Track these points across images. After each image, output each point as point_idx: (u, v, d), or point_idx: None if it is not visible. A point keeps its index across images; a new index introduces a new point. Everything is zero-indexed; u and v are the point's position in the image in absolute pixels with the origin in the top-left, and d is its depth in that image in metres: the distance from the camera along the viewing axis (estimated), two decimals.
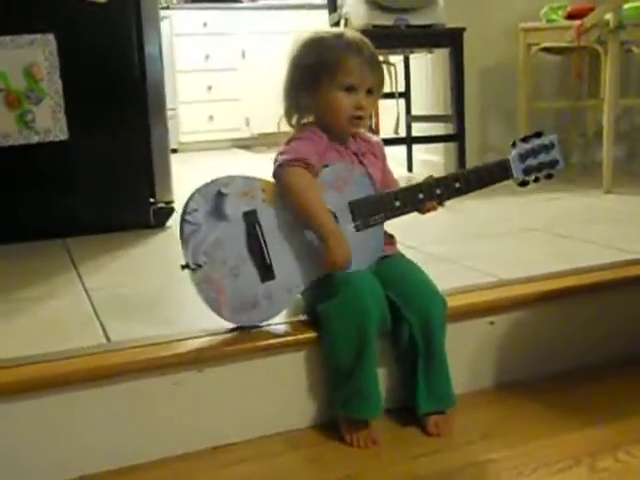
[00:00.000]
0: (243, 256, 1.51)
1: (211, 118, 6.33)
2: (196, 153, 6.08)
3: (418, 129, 4.03)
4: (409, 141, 3.99)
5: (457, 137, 3.51)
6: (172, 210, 2.75)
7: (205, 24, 6.27)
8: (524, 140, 1.66)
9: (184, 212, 1.49)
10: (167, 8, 6.10)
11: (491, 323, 1.75)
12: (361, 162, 1.61)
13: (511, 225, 2.55)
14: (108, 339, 1.55)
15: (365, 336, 1.46)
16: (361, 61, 1.53)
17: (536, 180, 1.67)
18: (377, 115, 4.63)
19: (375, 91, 1.57)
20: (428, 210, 1.61)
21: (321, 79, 1.54)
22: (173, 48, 6.10)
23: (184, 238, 1.49)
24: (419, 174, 4.03)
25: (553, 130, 3.98)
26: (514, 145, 1.66)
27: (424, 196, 1.60)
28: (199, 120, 6.26)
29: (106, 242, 2.52)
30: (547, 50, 3.64)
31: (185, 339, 1.52)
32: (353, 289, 1.48)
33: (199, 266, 1.48)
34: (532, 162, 1.65)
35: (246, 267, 1.51)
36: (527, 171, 1.65)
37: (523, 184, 1.66)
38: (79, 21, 2.58)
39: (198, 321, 1.57)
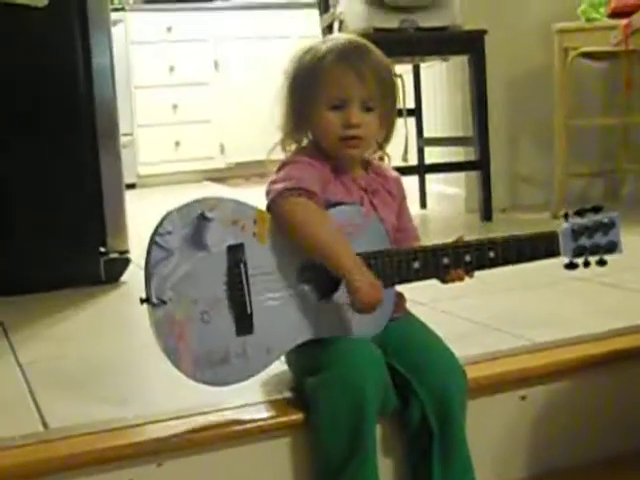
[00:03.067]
0: (219, 299, 1.51)
1: (177, 144, 6.39)
2: (159, 188, 6.13)
3: (432, 155, 4.07)
4: (422, 170, 4.03)
5: (480, 164, 3.55)
6: (127, 261, 2.76)
7: (169, 29, 6.36)
8: (579, 213, 1.70)
9: (155, 233, 1.48)
10: (121, 10, 6.20)
11: (522, 398, 1.75)
12: (371, 202, 1.63)
13: (548, 274, 2.55)
14: (45, 426, 1.54)
15: (361, 422, 1.46)
16: (345, 68, 1.55)
17: (586, 265, 1.71)
18: None
19: (377, 106, 1.59)
20: (452, 279, 1.63)
21: (306, 98, 1.57)
22: (129, 59, 6.18)
23: (150, 264, 1.48)
24: (435, 211, 4.06)
25: (597, 154, 4.04)
26: (566, 217, 1.70)
27: (450, 262, 1.61)
28: (162, 147, 6.31)
29: (46, 303, 2.53)
30: (588, 56, 3.70)
31: (142, 424, 1.52)
32: (348, 364, 1.48)
33: (162, 302, 1.47)
34: (585, 242, 1.69)
35: (220, 313, 1.51)
36: (578, 252, 1.70)
37: (570, 267, 1.71)
38: (8, 28, 2.61)
39: (160, 401, 1.57)
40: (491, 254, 1.64)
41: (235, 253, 1.51)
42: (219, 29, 6.43)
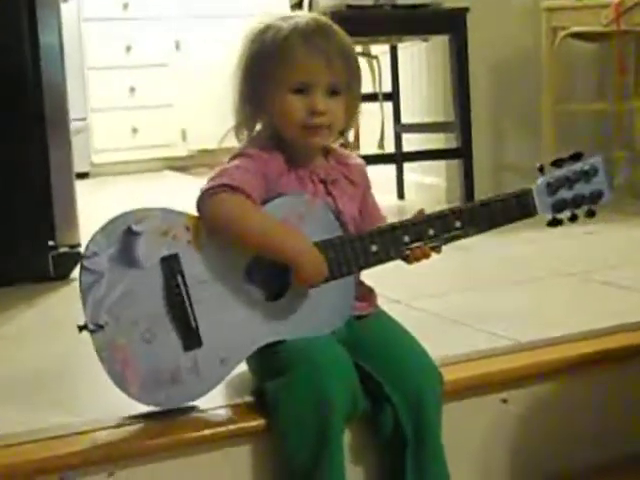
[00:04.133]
0: (159, 315, 1.51)
1: (135, 131, 6.38)
2: (114, 178, 6.11)
3: (410, 142, 4.09)
4: (399, 158, 4.05)
5: (462, 152, 3.57)
6: (78, 256, 2.74)
7: (125, 5, 6.34)
8: (556, 164, 1.64)
9: (82, 256, 1.51)
10: None
11: (504, 401, 1.76)
12: (329, 193, 1.63)
13: (537, 269, 2.58)
14: None
15: (326, 428, 1.46)
16: (311, 50, 1.55)
17: (573, 219, 1.65)
18: (356, 124, 4.69)
19: (342, 90, 1.58)
20: (417, 258, 1.61)
21: (265, 79, 1.57)
22: (82, 38, 6.16)
23: (82, 290, 1.50)
24: (414, 202, 4.08)
25: (589, 142, 4.07)
26: (541, 170, 1.64)
27: (411, 239, 1.59)
28: (118, 134, 6.30)
29: None
30: (578, 36, 3.72)
31: (90, 431, 1.51)
32: (310, 365, 1.48)
33: (100, 327, 1.49)
34: (565, 194, 1.63)
35: (163, 330, 1.51)
36: (558, 207, 1.64)
37: (554, 223, 1.65)
38: None
39: (109, 407, 1.57)
40: (457, 223, 1.60)
41: (170, 265, 1.51)
42: (180, 6, 6.42)
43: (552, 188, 1.63)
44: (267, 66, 1.57)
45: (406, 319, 1.70)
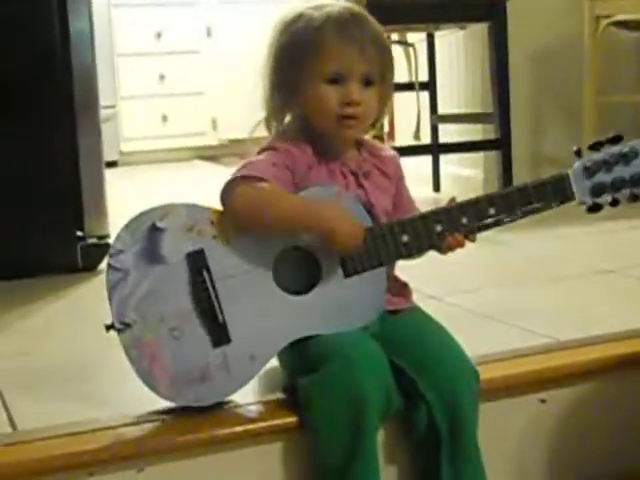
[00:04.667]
0: (187, 312, 1.52)
1: (165, 119, 6.39)
2: (144, 167, 6.13)
3: (447, 133, 4.08)
4: (435, 150, 4.04)
5: (501, 144, 3.55)
6: (107, 247, 2.72)
7: None
8: (594, 147, 1.61)
9: (109, 255, 1.53)
10: None
11: (542, 401, 1.76)
12: (360, 185, 1.63)
13: (575, 266, 2.57)
14: (14, 427, 1.55)
15: (360, 425, 1.47)
16: (346, 40, 1.55)
17: (614, 203, 1.62)
18: (390, 115, 4.69)
19: (376, 81, 1.59)
20: (450, 247, 1.60)
21: (299, 70, 1.57)
22: (111, 23, 6.18)
23: (108, 288, 1.52)
24: (450, 195, 4.05)
25: (631, 134, 4.03)
26: (578, 154, 1.61)
27: (444, 228, 1.59)
28: (148, 122, 6.32)
29: (15, 292, 2.54)
30: (622, 25, 3.70)
31: (120, 426, 1.52)
32: (342, 360, 1.48)
33: (127, 325, 1.50)
34: (604, 178, 1.60)
35: (191, 327, 1.52)
36: (597, 191, 1.60)
37: (594, 209, 1.62)
38: None
39: (139, 401, 1.58)
40: (491, 210, 1.58)
41: (196, 260, 1.53)
42: None
43: (590, 171, 1.60)
44: (300, 56, 1.57)
45: (441, 315, 1.70)
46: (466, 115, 4.03)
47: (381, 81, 1.60)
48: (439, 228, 1.58)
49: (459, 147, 3.91)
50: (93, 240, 2.79)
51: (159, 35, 6.35)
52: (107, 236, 2.79)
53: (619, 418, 1.84)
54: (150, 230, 1.51)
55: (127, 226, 1.52)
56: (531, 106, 3.96)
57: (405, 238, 1.57)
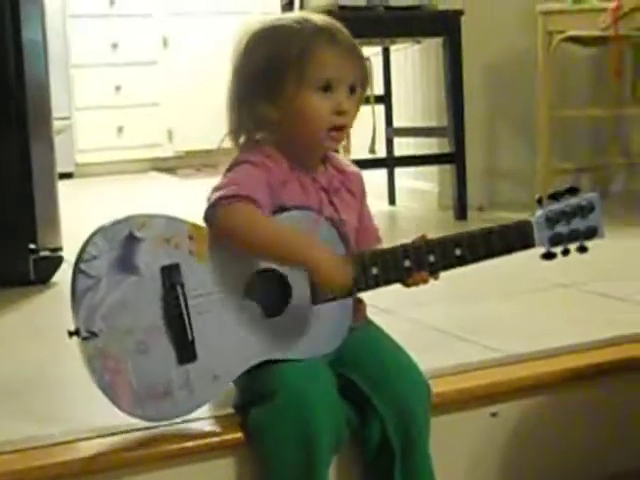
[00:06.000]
0: (156, 326, 1.50)
1: (120, 130, 6.37)
2: (99, 178, 6.11)
3: (402, 147, 4.09)
4: (391, 163, 4.05)
5: (455, 157, 3.58)
6: (60, 260, 2.75)
7: (112, 2, 6.34)
8: (554, 197, 1.68)
9: (79, 259, 1.48)
10: None
11: (493, 415, 1.77)
12: (331, 202, 1.62)
13: (528, 280, 2.58)
14: None
15: (311, 462, 1.46)
16: (338, 50, 1.54)
17: (565, 253, 1.69)
18: None
19: (358, 90, 1.58)
20: (415, 283, 1.63)
21: (285, 79, 1.54)
22: (66, 34, 6.15)
23: (76, 294, 1.47)
24: (404, 208, 4.09)
25: (585, 148, 4.07)
26: (540, 202, 1.68)
27: (412, 264, 1.60)
28: (103, 133, 6.29)
29: None
30: (575, 40, 3.74)
31: (69, 442, 1.51)
32: (294, 392, 1.47)
33: (93, 334, 1.47)
34: (563, 229, 1.68)
35: (159, 341, 1.50)
36: (555, 240, 1.68)
37: (548, 257, 1.69)
38: None
39: (90, 417, 1.57)
40: (457, 252, 1.63)
41: (170, 274, 1.50)
42: (168, 2, 6.42)
43: (551, 222, 1.67)
44: (286, 65, 1.53)
45: (395, 329, 1.70)
46: (421, 128, 4.05)
47: (361, 90, 1.59)
48: (407, 264, 1.60)
49: (414, 160, 3.93)
50: (46, 253, 2.77)
51: (115, 46, 6.32)
52: (60, 249, 2.77)
53: (570, 431, 1.85)
54: (127, 238, 1.48)
55: (103, 231, 1.48)
56: (486, 120, 3.99)
57: (374, 270, 1.58)
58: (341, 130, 1.56)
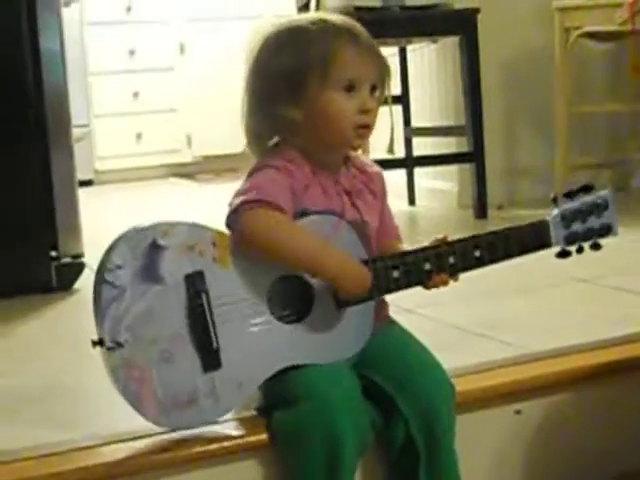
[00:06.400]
0: (181, 335, 1.50)
1: (139, 137, 6.38)
2: (119, 185, 6.12)
3: (421, 146, 4.08)
4: (410, 163, 4.05)
5: (474, 156, 3.57)
6: (82, 267, 2.76)
7: (129, 9, 6.35)
8: (568, 196, 1.69)
9: (103, 268, 1.47)
10: None
11: (517, 412, 1.76)
12: (353, 204, 1.62)
13: (547, 276, 2.57)
14: None
15: (336, 467, 1.46)
16: (360, 49, 1.55)
17: (579, 250, 1.71)
18: None
19: (379, 89, 1.58)
20: (435, 285, 1.63)
21: (308, 81, 1.54)
22: (84, 42, 6.17)
23: (101, 305, 1.47)
24: (424, 208, 4.08)
25: (604, 143, 4.05)
26: (555, 201, 1.69)
27: (432, 267, 1.61)
28: (122, 140, 6.30)
29: None
30: (592, 36, 3.73)
31: (93, 446, 1.52)
32: (319, 397, 1.47)
33: (119, 345, 1.47)
34: (578, 227, 1.69)
35: (183, 350, 1.50)
36: (570, 239, 1.69)
37: (562, 255, 1.71)
38: None
39: (113, 421, 1.57)
40: (477, 253, 1.64)
41: (194, 282, 1.50)
42: (184, 8, 6.42)
43: (567, 221, 1.69)
44: (312, 67, 1.53)
45: (417, 328, 1.70)
46: (439, 128, 4.04)
47: (381, 88, 1.59)
48: (428, 267, 1.61)
49: (433, 160, 3.92)
50: (67, 259, 2.77)
51: (132, 52, 6.34)
52: (81, 255, 2.78)
53: (594, 427, 1.84)
54: (151, 247, 1.48)
55: (126, 239, 1.48)
56: (504, 118, 3.97)
57: (395, 274, 1.59)
58: (366, 128, 1.56)
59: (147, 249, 1.48)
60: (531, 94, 3.94)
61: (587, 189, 1.70)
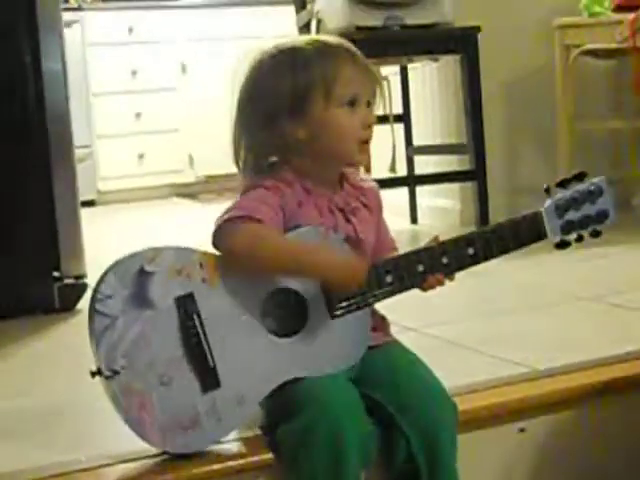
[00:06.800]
0: (176, 357, 1.51)
1: (141, 157, 6.40)
2: (121, 205, 6.13)
3: (423, 165, 4.09)
4: (411, 182, 4.05)
5: (476, 174, 3.57)
6: (84, 287, 2.76)
7: (131, 30, 6.37)
8: (562, 185, 1.67)
9: (94, 299, 1.49)
10: (78, 9, 6.22)
11: (522, 430, 1.76)
12: (348, 220, 1.63)
13: (549, 294, 2.58)
14: None
15: (342, 472, 1.46)
16: (358, 66, 1.58)
17: (579, 239, 1.68)
18: None
19: (373, 103, 1.61)
20: (431, 286, 1.62)
21: (311, 99, 1.56)
22: (86, 63, 6.19)
23: (95, 335, 1.48)
24: (427, 227, 4.08)
25: (606, 161, 4.04)
26: (548, 191, 1.67)
27: (425, 268, 1.60)
28: (125, 160, 6.32)
29: None
30: (592, 53, 3.73)
31: (95, 468, 1.52)
32: (320, 405, 1.47)
33: (115, 373, 1.48)
34: (573, 216, 1.66)
35: (181, 372, 1.51)
36: (567, 228, 1.66)
37: (562, 245, 1.68)
38: None
39: (118, 442, 1.57)
40: (470, 251, 1.62)
41: (185, 304, 1.51)
42: (186, 29, 6.45)
43: (560, 210, 1.66)
44: (314, 86, 1.55)
45: (420, 347, 1.70)
46: (441, 146, 4.05)
47: (374, 103, 1.61)
48: (421, 268, 1.60)
49: (435, 178, 3.92)
50: (70, 280, 2.78)
51: (134, 73, 6.35)
52: (84, 276, 2.78)
53: (599, 446, 1.84)
54: (138, 274, 1.49)
55: (114, 269, 1.49)
56: (505, 136, 3.98)
57: (389, 279, 1.59)
58: (367, 143, 1.59)
59: (135, 276, 1.49)
60: (532, 112, 3.95)
61: (580, 177, 1.68)
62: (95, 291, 1.49)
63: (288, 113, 1.57)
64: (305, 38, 1.64)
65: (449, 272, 1.62)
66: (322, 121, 1.56)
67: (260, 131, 1.60)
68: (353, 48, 1.60)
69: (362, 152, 1.59)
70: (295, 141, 1.58)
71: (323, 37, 1.63)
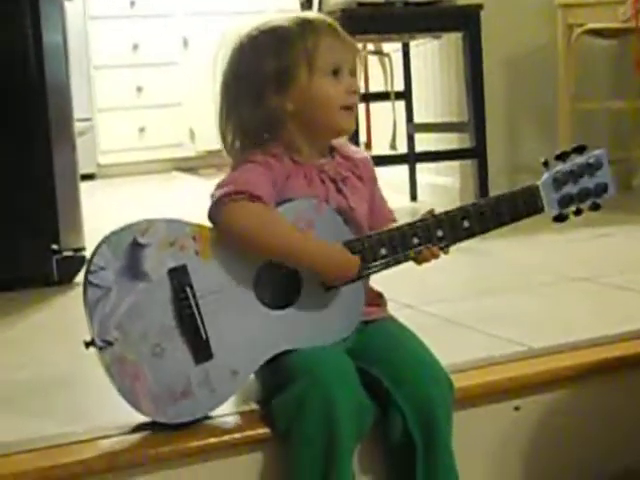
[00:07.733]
0: (169, 329, 1.52)
1: (142, 131, 6.39)
2: (121, 179, 6.12)
3: (423, 142, 4.09)
4: (412, 159, 4.05)
5: (476, 152, 3.57)
6: (83, 260, 2.75)
7: (132, 3, 6.36)
8: (560, 158, 1.65)
9: (87, 271, 1.50)
10: None
11: (516, 409, 1.76)
12: (339, 190, 1.64)
13: (548, 273, 2.58)
14: None
15: (334, 447, 1.47)
16: (338, 36, 1.61)
17: (578, 213, 1.67)
18: (367, 122, 4.69)
19: (355, 73, 1.64)
20: (425, 259, 1.62)
21: (296, 73, 1.58)
22: (88, 36, 6.17)
23: (88, 306, 1.50)
24: (427, 204, 4.08)
25: (607, 141, 4.05)
26: (546, 165, 1.66)
27: (420, 240, 1.60)
28: (125, 134, 6.31)
29: None
30: (595, 33, 3.73)
31: (93, 439, 1.52)
32: (313, 374, 1.49)
33: (109, 343, 1.49)
34: (571, 189, 1.65)
35: (173, 343, 1.52)
36: (564, 202, 1.65)
37: (560, 219, 1.67)
38: None
39: (114, 414, 1.57)
40: (465, 223, 1.61)
41: (178, 276, 1.52)
42: (188, 3, 6.43)
43: (558, 183, 1.65)
44: (298, 59, 1.58)
45: (416, 324, 1.70)
46: (442, 124, 4.05)
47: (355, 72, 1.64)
48: (415, 241, 1.60)
49: (435, 156, 3.92)
50: (69, 253, 2.78)
51: (136, 47, 6.34)
52: (83, 249, 2.79)
53: (593, 425, 1.84)
54: (132, 246, 1.49)
55: (107, 241, 1.50)
56: (506, 114, 3.98)
57: (383, 251, 1.58)
58: (351, 109, 1.62)
59: (128, 248, 1.50)
60: (534, 91, 3.95)
61: (580, 150, 1.66)
62: (89, 263, 1.50)
63: (275, 89, 1.59)
64: (283, 16, 1.65)
65: (444, 245, 1.61)
66: (308, 92, 1.59)
67: (249, 110, 1.61)
68: (330, 20, 1.64)
69: (348, 117, 1.61)
70: (284, 114, 1.60)
71: (301, 14, 1.66)
